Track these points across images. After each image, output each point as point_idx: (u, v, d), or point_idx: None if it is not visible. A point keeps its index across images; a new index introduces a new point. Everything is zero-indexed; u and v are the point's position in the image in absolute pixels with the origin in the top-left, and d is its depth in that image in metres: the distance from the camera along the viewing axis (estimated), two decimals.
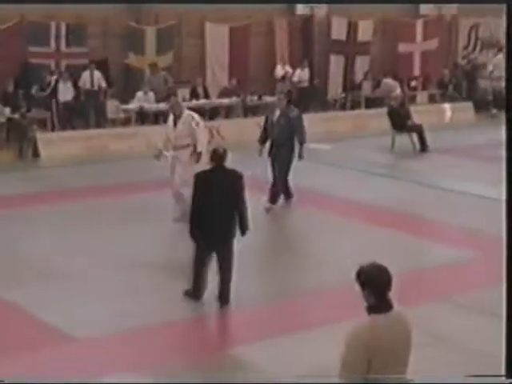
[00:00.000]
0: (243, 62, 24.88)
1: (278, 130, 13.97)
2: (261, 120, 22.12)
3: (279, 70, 25.06)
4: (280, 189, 14.20)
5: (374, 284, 4.85)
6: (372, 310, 4.88)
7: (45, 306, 9.59)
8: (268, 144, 14.36)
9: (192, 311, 9.57)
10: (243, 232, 9.53)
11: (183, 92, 23.00)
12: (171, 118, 13.21)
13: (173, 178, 13.03)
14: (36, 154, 18.49)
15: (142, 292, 10.05)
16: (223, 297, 9.56)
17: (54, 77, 20.83)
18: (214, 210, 9.23)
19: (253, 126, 21.76)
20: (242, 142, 18.94)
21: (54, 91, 20.68)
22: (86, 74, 21.53)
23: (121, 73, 23.06)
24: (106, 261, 11.17)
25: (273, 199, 14.15)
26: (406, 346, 5.02)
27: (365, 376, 4.76)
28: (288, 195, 14.40)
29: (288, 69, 25.08)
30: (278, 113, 14.16)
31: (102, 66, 22.24)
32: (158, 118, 21.71)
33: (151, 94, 21.65)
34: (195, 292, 9.64)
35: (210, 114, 22.77)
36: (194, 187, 9.36)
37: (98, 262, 11.11)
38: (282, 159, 14.09)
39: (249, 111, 23.42)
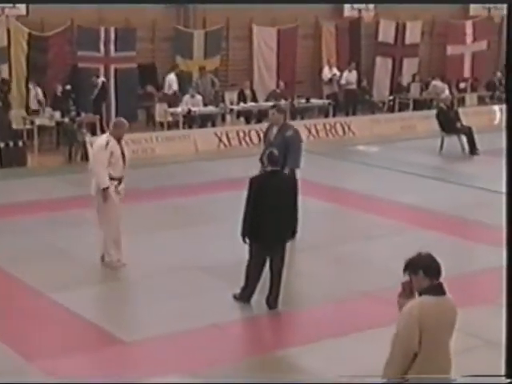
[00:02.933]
0: (291, 65, 24.89)
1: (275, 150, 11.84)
2: (309, 123, 22.42)
3: (326, 73, 25.01)
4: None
5: (430, 268, 5.31)
6: (425, 291, 5.30)
7: (95, 308, 9.69)
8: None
9: (241, 313, 9.59)
10: (293, 234, 9.61)
11: (231, 95, 23.10)
12: (113, 142, 10.83)
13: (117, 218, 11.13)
14: (85, 157, 18.64)
15: (190, 294, 10.09)
16: (273, 299, 9.59)
17: (101, 79, 21.00)
18: (270, 213, 9.26)
19: (301, 129, 21.79)
20: None
21: (102, 94, 20.87)
22: (171, 78, 21.86)
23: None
24: (154, 264, 11.23)
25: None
26: (450, 327, 5.46)
27: (416, 349, 5.23)
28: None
29: (335, 71, 25.03)
30: (275, 130, 12.16)
31: (150, 69, 22.43)
32: (205, 121, 21.80)
33: (199, 98, 21.72)
34: (245, 295, 9.66)
35: (257, 117, 22.80)
36: (250, 191, 9.38)
37: (147, 266, 11.17)
38: None
39: (297, 114, 23.42)
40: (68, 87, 20.46)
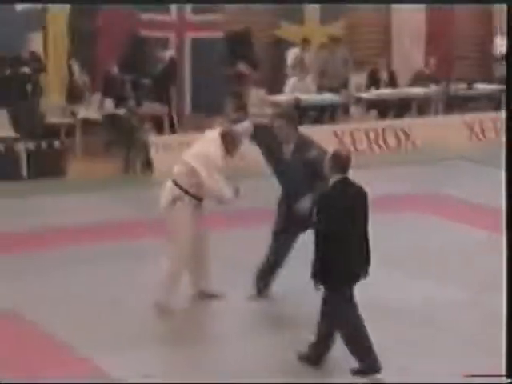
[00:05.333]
0: (446, 33, 24.73)
1: (292, 176, 11.49)
2: (471, 118, 22.22)
3: (499, 44, 24.78)
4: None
5: None
6: None
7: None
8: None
9: None
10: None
11: (358, 78, 23.09)
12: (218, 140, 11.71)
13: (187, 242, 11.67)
14: (148, 165, 18.76)
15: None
16: (372, 360, 9.46)
17: (169, 53, 21.16)
18: (349, 244, 9.38)
19: (459, 127, 21.68)
20: (442, 150, 18.82)
21: (168, 74, 20.96)
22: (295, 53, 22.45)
23: (268, 50, 23.38)
24: None
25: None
26: None
27: None
28: None
29: None
30: (291, 147, 11.53)
31: (243, 40, 22.57)
32: (322, 115, 21.81)
33: (309, 80, 21.78)
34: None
35: (397, 109, 22.75)
36: (323, 214, 9.41)
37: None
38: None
39: (454, 105, 23.29)
40: (125, 65, 20.67)
